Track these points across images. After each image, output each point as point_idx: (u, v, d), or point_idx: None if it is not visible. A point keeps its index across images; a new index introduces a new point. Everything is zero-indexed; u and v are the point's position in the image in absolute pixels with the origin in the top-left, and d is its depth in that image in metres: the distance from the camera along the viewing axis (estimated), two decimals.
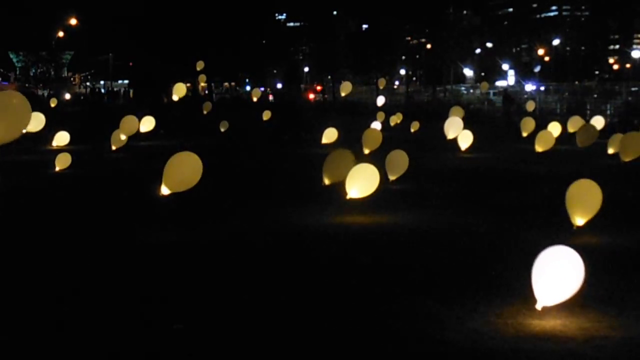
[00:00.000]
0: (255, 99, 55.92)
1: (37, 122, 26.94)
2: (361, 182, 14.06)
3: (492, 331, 7.16)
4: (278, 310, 7.82)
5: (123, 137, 24.91)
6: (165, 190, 13.06)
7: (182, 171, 13.00)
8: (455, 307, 7.85)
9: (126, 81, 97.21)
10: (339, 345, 6.85)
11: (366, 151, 19.85)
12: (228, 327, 7.34)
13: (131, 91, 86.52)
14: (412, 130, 34.67)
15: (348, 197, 14.04)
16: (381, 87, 66.03)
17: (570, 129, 28.84)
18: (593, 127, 27.64)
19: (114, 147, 24.86)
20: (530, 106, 41.55)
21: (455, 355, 6.65)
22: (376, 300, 8.16)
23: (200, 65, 48.89)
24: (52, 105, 61.29)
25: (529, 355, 6.60)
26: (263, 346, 6.83)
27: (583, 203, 11.39)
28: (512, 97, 57.86)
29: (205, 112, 43.37)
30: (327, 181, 15.32)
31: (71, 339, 6.98)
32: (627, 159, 18.65)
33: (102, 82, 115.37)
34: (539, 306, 7.59)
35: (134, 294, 8.44)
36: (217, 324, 7.39)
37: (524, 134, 28.98)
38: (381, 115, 39.33)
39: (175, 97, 37.49)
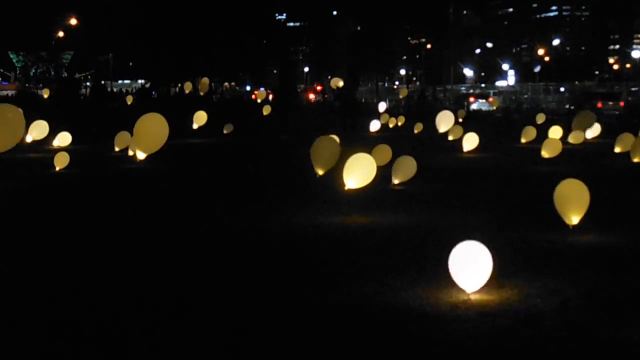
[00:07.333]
0: (259, 100, 55.82)
1: (40, 129, 26.78)
2: (358, 173, 14.63)
3: (491, 330, 7.17)
4: (274, 310, 7.82)
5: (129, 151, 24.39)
6: (140, 155, 13.27)
7: (151, 133, 13.26)
8: (451, 305, 7.86)
9: (127, 81, 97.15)
10: (335, 344, 6.86)
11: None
12: (226, 326, 7.35)
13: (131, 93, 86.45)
14: (415, 131, 34.65)
15: (346, 188, 14.60)
16: (401, 96, 65.37)
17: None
18: (591, 113, 28.68)
19: (117, 148, 24.25)
20: (540, 118, 39.36)
21: (453, 355, 6.67)
22: (375, 300, 8.16)
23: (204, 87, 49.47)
24: (45, 96, 61.19)
25: None
26: (261, 346, 6.84)
27: (572, 202, 11.37)
28: (426, 96, 57.91)
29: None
30: (320, 172, 15.52)
31: (71, 339, 6.99)
32: (638, 160, 18.50)
33: (102, 82, 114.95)
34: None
35: (133, 294, 8.44)
36: (215, 324, 7.40)
37: (523, 140, 28.70)
38: (385, 117, 39.28)
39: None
